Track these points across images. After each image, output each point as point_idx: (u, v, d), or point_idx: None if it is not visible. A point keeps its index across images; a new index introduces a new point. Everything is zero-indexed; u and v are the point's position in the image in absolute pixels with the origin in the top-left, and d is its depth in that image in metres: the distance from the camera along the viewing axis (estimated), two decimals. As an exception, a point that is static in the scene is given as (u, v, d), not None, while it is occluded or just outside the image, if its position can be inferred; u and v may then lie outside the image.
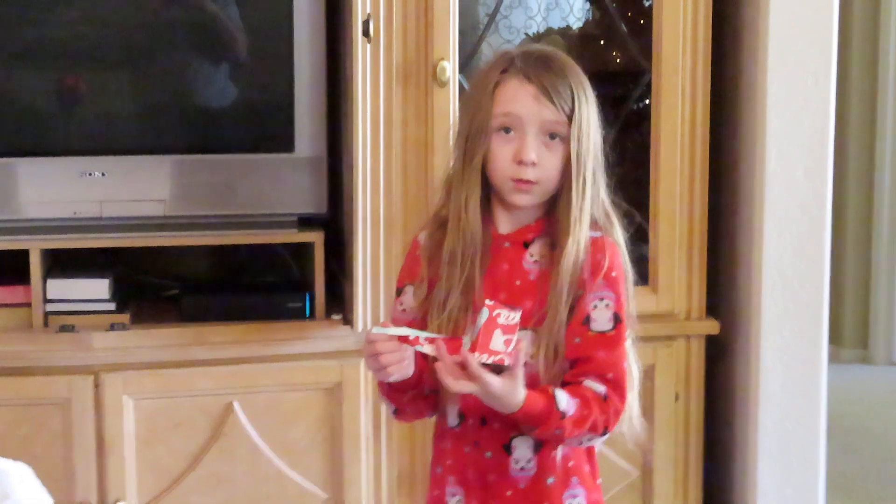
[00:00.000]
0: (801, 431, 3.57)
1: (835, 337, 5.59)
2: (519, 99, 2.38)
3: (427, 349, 2.30)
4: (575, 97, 2.39)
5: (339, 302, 3.46)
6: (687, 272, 3.55)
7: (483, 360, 2.26)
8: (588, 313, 2.42)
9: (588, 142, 2.41)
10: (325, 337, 3.39)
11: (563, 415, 2.35)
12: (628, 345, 2.49)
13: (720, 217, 3.64)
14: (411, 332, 2.31)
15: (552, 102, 2.37)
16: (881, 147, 6.29)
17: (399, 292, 2.53)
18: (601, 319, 2.44)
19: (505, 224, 2.46)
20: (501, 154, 2.39)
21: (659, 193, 3.52)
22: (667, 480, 3.62)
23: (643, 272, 3.52)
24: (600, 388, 2.40)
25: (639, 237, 3.56)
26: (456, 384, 2.28)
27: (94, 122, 3.42)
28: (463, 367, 2.26)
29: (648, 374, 3.56)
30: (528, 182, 2.38)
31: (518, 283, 2.43)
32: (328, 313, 3.43)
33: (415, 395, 2.44)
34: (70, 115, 3.43)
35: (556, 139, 2.38)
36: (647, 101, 3.55)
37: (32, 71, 3.37)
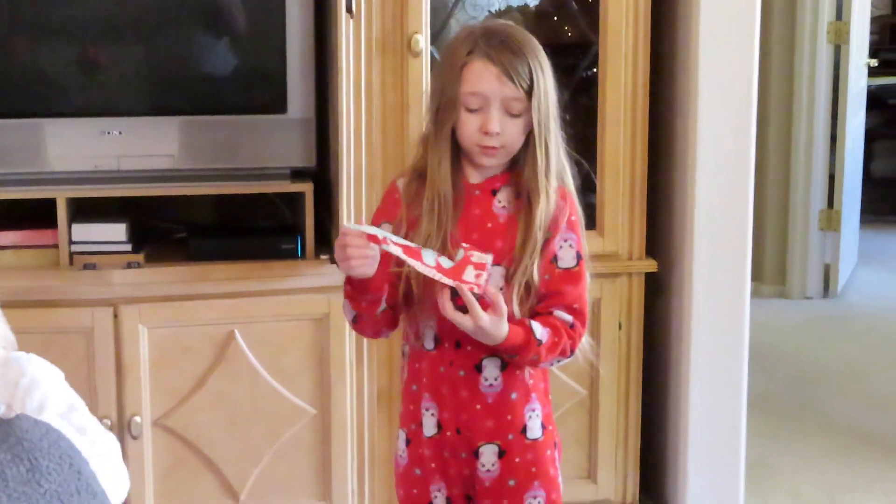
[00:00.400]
0: (726, 357, 3.58)
1: (756, 275, 5.63)
2: (484, 79, 2.40)
3: (393, 249, 2.30)
4: (533, 72, 2.41)
5: (326, 244, 3.46)
6: (629, 218, 3.56)
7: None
8: (555, 253, 2.47)
9: (547, 109, 2.44)
10: (314, 274, 3.39)
11: (539, 342, 2.41)
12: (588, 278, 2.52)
13: (658, 170, 3.64)
14: (380, 233, 2.31)
15: (512, 81, 2.38)
16: (797, 111, 6.31)
17: (377, 225, 2.51)
18: (566, 258, 2.49)
19: (474, 175, 2.50)
20: (469, 125, 2.42)
21: (605, 149, 3.52)
22: (610, 399, 3.64)
23: (591, 217, 3.54)
24: (567, 317, 2.46)
25: (587, 187, 3.58)
26: (453, 314, 2.34)
27: (111, 87, 3.41)
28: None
29: (595, 307, 3.58)
30: (493, 148, 2.41)
31: (489, 225, 2.47)
32: (317, 254, 3.43)
33: (373, 300, 2.42)
34: (91, 81, 3.41)
35: (516, 112, 2.41)
36: (595, 70, 3.55)
37: (58, 43, 3.36)
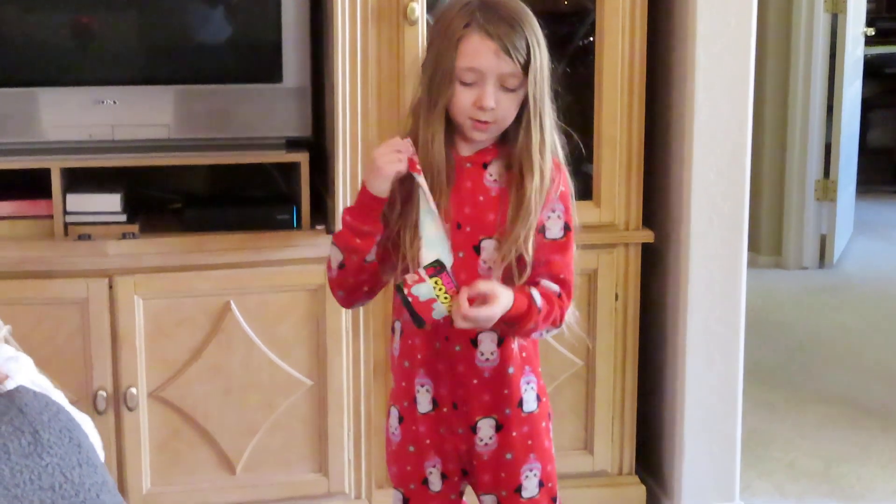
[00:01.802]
0: (722, 327, 3.59)
1: (753, 245, 5.65)
2: (481, 54, 2.38)
3: (421, 181, 2.39)
4: (530, 47, 2.40)
5: (322, 214, 3.46)
6: (626, 188, 3.56)
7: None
8: (543, 223, 2.46)
9: (543, 84, 2.44)
10: (310, 245, 3.39)
11: (539, 310, 2.41)
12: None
13: (655, 140, 3.64)
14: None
15: (510, 57, 2.37)
16: (794, 81, 6.32)
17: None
18: (554, 228, 2.48)
19: (466, 148, 2.49)
20: (463, 99, 2.41)
21: (602, 119, 3.51)
22: (607, 369, 3.64)
23: (587, 188, 3.53)
24: (554, 287, 2.46)
25: (584, 157, 3.57)
26: (472, 313, 2.34)
27: (106, 56, 3.39)
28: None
29: (592, 278, 3.58)
30: (485, 123, 2.41)
31: (481, 198, 2.47)
32: (313, 224, 3.42)
33: (369, 233, 2.44)
34: (85, 50, 3.40)
35: (511, 87, 2.40)
36: (592, 39, 3.53)
37: (52, 12, 3.34)
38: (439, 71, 2.42)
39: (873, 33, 7.16)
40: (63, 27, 3.36)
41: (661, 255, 3.68)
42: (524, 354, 2.55)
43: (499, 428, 2.54)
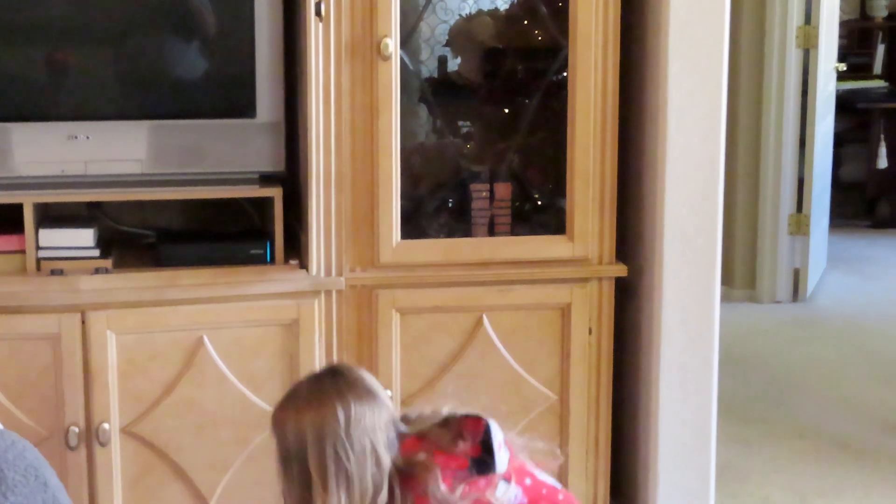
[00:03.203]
0: (696, 361, 3.59)
1: (727, 279, 5.66)
2: None
3: None
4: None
5: (295, 249, 3.45)
6: (599, 222, 3.56)
7: None
8: None
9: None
10: (283, 279, 3.38)
11: None
12: None
13: (628, 175, 3.65)
14: None
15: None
16: (766, 116, 6.34)
17: None
18: None
19: None
20: None
21: (575, 154, 3.52)
22: (581, 404, 3.64)
23: (561, 222, 3.54)
24: None
25: (558, 191, 3.58)
26: None
27: (80, 91, 3.39)
28: None
29: (565, 312, 3.58)
30: None
31: None
32: (286, 259, 3.42)
33: None
34: (59, 85, 3.40)
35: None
36: (565, 74, 3.54)
37: (26, 46, 3.34)
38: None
39: (845, 68, 7.19)
40: (35, 62, 3.36)
41: (634, 288, 3.69)
42: None
43: None
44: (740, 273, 6.51)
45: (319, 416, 2.31)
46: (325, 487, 2.28)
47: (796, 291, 6.56)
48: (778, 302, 6.51)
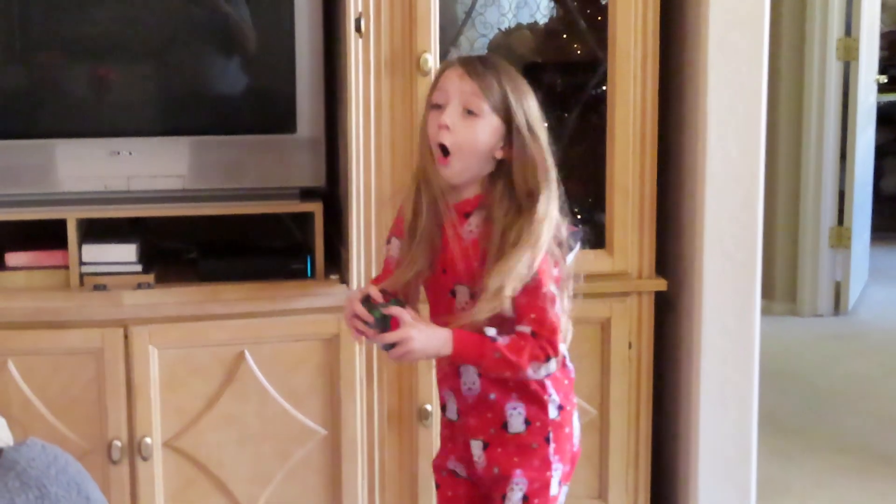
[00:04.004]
0: (736, 375, 3.58)
1: (767, 292, 5.64)
2: (448, 77, 2.54)
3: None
4: (502, 86, 2.51)
5: (336, 264, 3.46)
6: (638, 236, 3.56)
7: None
8: None
9: (530, 129, 2.54)
10: (324, 294, 3.39)
11: (493, 339, 2.50)
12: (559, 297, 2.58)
13: (667, 188, 3.64)
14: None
15: (471, 79, 2.50)
16: (807, 128, 6.32)
17: (388, 241, 2.72)
18: None
19: (451, 196, 2.58)
20: (431, 123, 2.55)
21: (614, 168, 3.52)
22: (621, 418, 3.63)
23: (600, 237, 3.54)
24: (525, 328, 2.54)
25: (596, 205, 3.58)
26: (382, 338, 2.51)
27: (122, 107, 3.42)
28: None
29: (605, 326, 3.58)
30: (445, 150, 2.51)
31: (458, 246, 2.57)
32: (327, 274, 3.43)
33: None
34: (102, 102, 3.42)
35: (472, 114, 2.51)
36: (604, 88, 3.55)
37: (70, 63, 3.38)
38: (425, 109, 2.59)
39: (886, 80, 7.16)
40: (79, 79, 3.39)
41: (674, 303, 3.68)
42: (510, 384, 2.62)
43: (485, 446, 2.66)
44: (781, 286, 6.48)
45: None
46: None
47: (837, 305, 6.53)
48: (819, 315, 6.48)
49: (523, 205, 2.52)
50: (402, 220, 2.66)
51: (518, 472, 2.64)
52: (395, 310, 2.52)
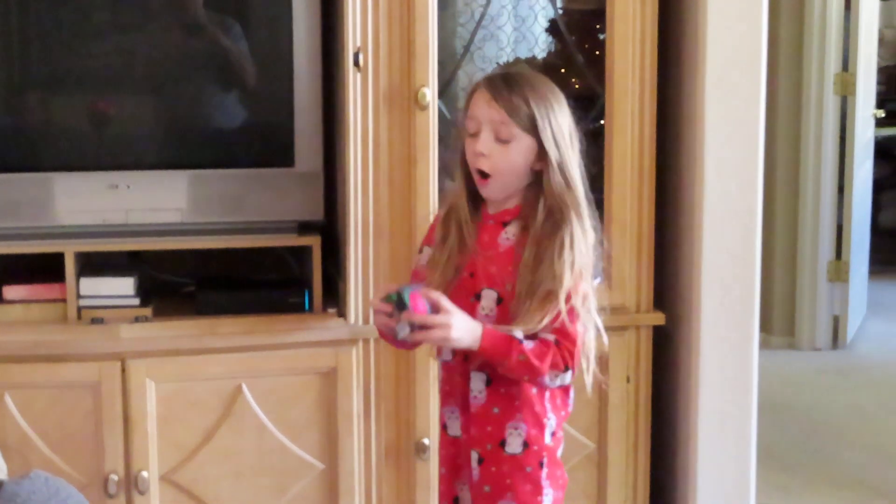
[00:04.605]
0: (735, 409, 3.57)
1: (765, 326, 5.64)
2: (476, 104, 2.60)
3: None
4: (530, 103, 2.57)
5: (334, 297, 3.47)
6: (637, 271, 3.56)
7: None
8: None
9: (561, 147, 2.60)
10: (322, 328, 3.39)
11: (521, 341, 2.53)
12: (585, 311, 2.64)
13: (665, 223, 3.65)
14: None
15: (498, 104, 2.56)
16: (804, 162, 6.33)
17: (420, 250, 2.80)
18: None
19: (492, 207, 2.68)
20: (468, 149, 2.62)
21: (612, 202, 3.53)
22: (619, 452, 3.63)
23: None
24: (549, 336, 2.57)
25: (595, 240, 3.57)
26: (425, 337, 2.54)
27: (121, 141, 3.43)
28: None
29: (603, 360, 3.57)
30: (486, 178, 2.61)
31: (491, 252, 2.64)
32: (325, 307, 3.43)
33: None
34: (100, 135, 3.43)
35: (503, 137, 2.58)
36: (602, 122, 3.56)
37: (68, 97, 3.39)
38: (459, 130, 2.67)
39: (883, 115, 7.18)
40: (78, 113, 3.40)
41: (672, 336, 3.68)
42: (517, 402, 2.64)
43: (481, 461, 2.67)
44: (779, 320, 6.48)
45: None
46: None
47: (836, 338, 6.52)
48: (817, 349, 6.47)
49: (556, 216, 2.59)
50: (434, 229, 2.74)
51: (509, 494, 2.66)
52: (426, 291, 2.54)
